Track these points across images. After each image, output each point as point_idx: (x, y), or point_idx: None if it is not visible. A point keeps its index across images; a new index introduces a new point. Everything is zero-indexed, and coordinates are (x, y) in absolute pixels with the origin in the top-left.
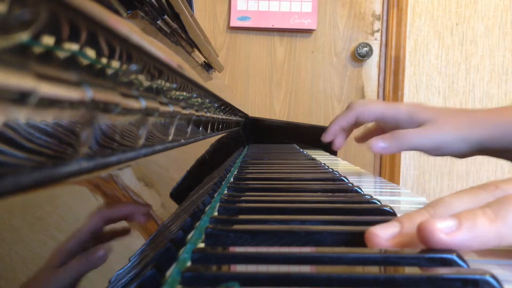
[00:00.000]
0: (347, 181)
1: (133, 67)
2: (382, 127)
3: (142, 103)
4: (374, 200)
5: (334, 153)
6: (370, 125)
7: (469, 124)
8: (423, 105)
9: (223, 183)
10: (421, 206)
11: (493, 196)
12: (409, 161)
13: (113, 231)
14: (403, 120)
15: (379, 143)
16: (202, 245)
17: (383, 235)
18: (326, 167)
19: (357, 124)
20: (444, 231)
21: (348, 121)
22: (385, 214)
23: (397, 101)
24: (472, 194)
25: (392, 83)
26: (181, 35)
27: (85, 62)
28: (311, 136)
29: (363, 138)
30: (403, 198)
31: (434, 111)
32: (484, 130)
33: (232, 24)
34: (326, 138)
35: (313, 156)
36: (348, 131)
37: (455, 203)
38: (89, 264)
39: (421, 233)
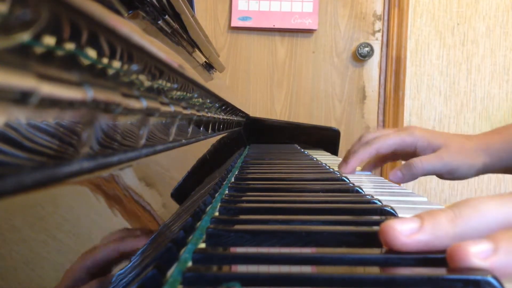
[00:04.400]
0: (348, 181)
1: (134, 67)
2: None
3: (143, 103)
4: (375, 200)
5: (335, 153)
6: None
7: (475, 152)
8: (434, 131)
9: (224, 183)
10: (422, 206)
11: None
12: None
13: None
14: (422, 146)
15: (398, 174)
16: (203, 245)
17: (401, 229)
18: (327, 167)
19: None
20: (479, 256)
21: (370, 155)
22: (386, 214)
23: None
24: (504, 199)
25: (393, 83)
26: (182, 35)
27: (86, 62)
28: (312, 136)
29: (371, 166)
30: (404, 198)
31: (446, 137)
32: (488, 156)
33: (233, 24)
34: (345, 171)
35: (314, 156)
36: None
37: (485, 206)
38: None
39: (453, 257)
